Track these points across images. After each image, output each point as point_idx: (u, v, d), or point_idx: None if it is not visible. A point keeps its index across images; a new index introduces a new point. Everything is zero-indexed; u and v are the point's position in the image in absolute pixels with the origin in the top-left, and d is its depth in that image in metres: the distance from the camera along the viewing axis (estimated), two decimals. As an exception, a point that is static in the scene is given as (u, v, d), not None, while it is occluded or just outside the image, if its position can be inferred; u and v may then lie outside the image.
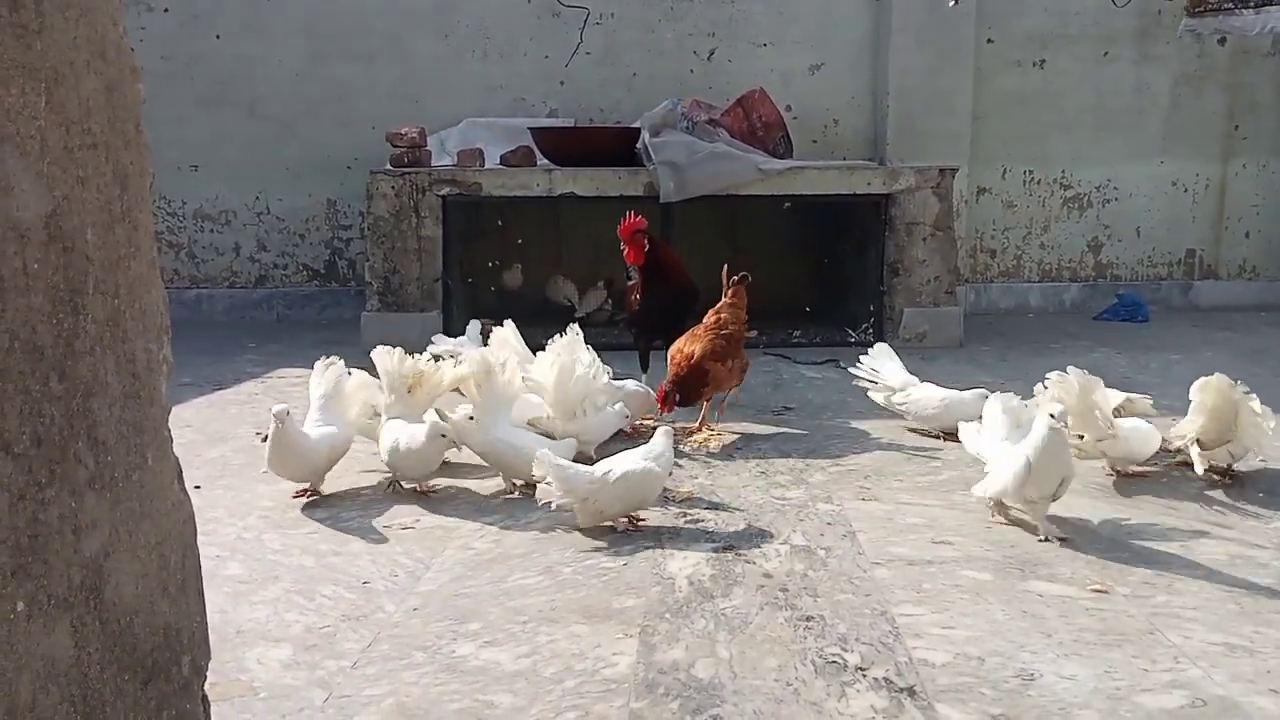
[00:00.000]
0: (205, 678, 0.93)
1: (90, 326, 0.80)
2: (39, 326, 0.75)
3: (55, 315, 0.77)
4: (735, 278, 3.26)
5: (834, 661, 1.72)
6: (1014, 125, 5.92)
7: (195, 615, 0.92)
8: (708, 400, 3.20)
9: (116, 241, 0.84)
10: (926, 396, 3.22)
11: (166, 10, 5.60)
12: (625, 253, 3.52)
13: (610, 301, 5.30)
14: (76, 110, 0.80)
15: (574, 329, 3.02)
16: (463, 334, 3.76)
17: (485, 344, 3.52)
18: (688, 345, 3.09)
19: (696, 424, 3.22)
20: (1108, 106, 5.96)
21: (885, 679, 1.65)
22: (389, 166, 4.75)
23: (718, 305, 3.24)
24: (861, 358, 3.51)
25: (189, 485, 2.67)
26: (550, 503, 2.32)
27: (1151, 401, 3.12)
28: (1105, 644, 1.76)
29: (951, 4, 5.04)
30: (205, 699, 0.94)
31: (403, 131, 4.76)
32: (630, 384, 3.24)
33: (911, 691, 1.61)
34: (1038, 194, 6.06)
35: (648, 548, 2.25)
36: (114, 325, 0.83)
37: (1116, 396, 3.03)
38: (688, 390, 3.03)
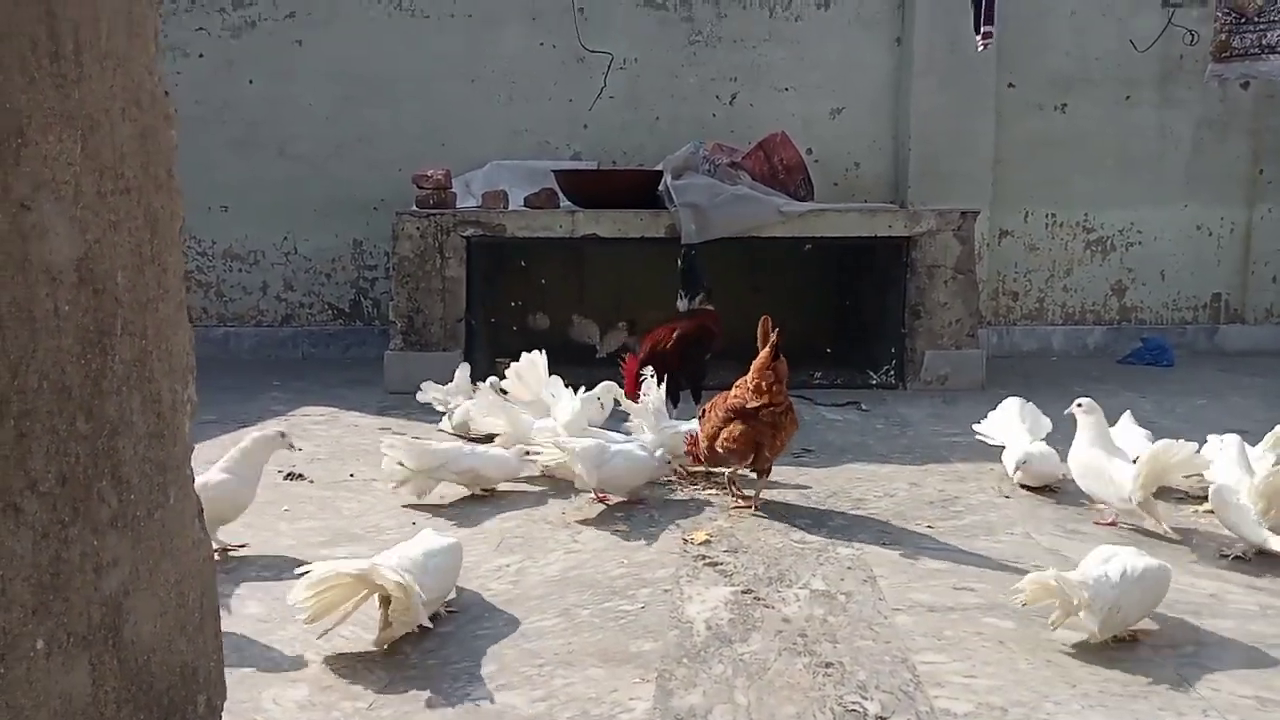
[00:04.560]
0: (220, 717, 0.93)
1: (118, 367, 0.82)
2: (68, 367, 0.77)
3: (84, 356, 0.79)
4: (774, 337, 2.80)
5: (853, 710, 1.69)
6: (1036, 168, 5.93)
7: (212, 654, 0.93)
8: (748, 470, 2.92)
9: (146, 284, 0.86)
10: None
11: (201, 56, 5.75)
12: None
13: (632, 339, 5.32)
14: (111, 156, 0.83)
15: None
16: (480, 378, 3.79)
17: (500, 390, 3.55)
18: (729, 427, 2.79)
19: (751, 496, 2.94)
20: (1130, 150, 5.96)
21: (905, 729, 1.62)
22: (415, 208, 4.82)
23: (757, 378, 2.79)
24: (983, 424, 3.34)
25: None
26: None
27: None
28: (1131, 695, 1.73)
29: (980, 48, 5.07)
30: (220, 738, 0.94)
31: (428, 173, 4.84)
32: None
33: (932, 742, 1.58)
34: (1060, 237, 6.05)
35: (666, 591, 2.24)
36: (141, 366, 0.85)
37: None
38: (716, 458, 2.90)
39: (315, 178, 5.78)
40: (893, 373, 4.88)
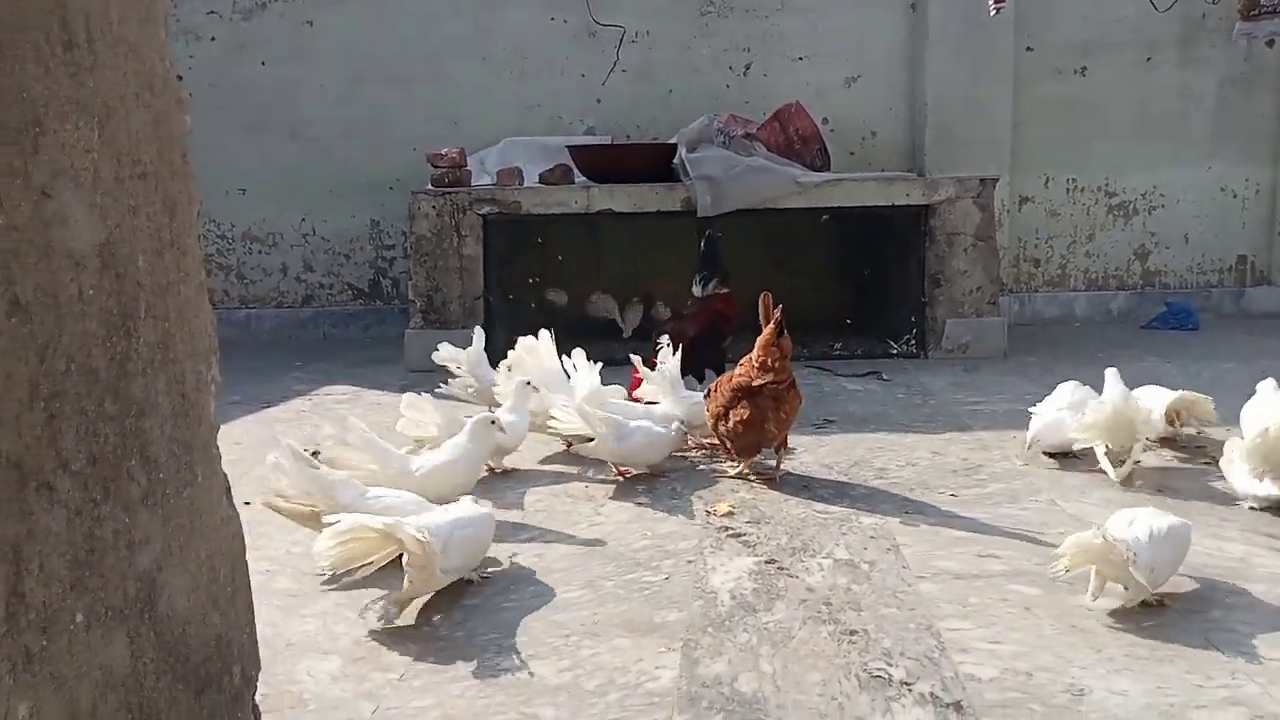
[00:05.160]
0: (255, 688, 0.95)
1: (142, 349, 0.83)
2: (94, 350, 0.78)
3: (109, 339, 0.80)
4: (778, 314, 2.77)
5: (878, 676, 1.70)
6: (1055, 133, 5.85)
7: (245, 626, 0.95)
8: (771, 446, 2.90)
9: (166, 267, 0.87)
10: None
11: (213, 39, 5.75)
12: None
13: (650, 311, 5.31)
14: (127, 142, 0.83)
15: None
16: (501, 356, 3.79)
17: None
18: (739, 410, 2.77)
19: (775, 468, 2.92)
20: (1151, 112, 5.87)
21: (931, 694, 1.63)
22: (430, 187, 4.82)
23: (761, 355, 2.78)
24: None
25: (239, 501, 2.71)
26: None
27: (1212, 404, 3.07)
28: (1158, 659, 1.73)
29: (992, 13, 5.00)
30: (256, 708, 0.96)
31: (443, 152, 4.83)
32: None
33: (958, 707, 1.59)
34: (1081, 202, 5.98)
35: (689, 562, 2.25)
36: (164, 348, 0.86)
37: (1168, 396, 3.00)
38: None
39: (329, 159, 5.79)
40: (913, 342, 4.86)
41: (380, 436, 2.62)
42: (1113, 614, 1.91)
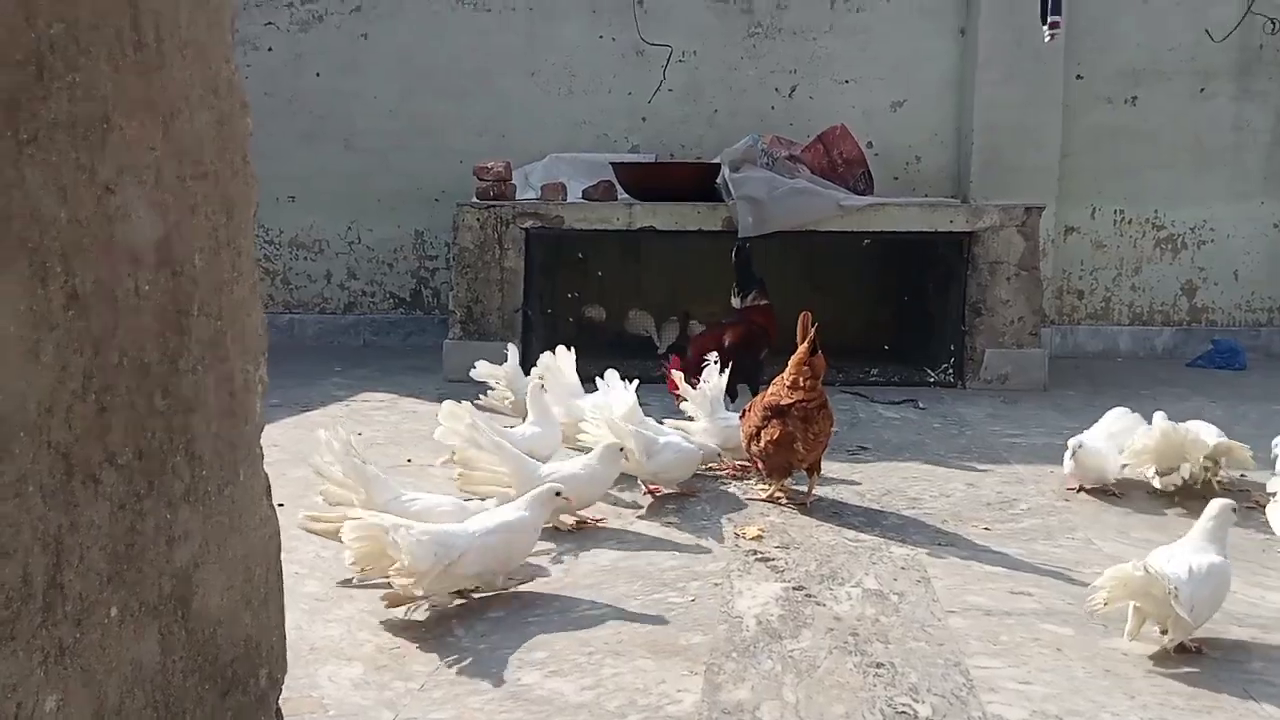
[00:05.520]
0: (280, 691, 0.96)
1: (194, 347, 0.84)
2: (147, 345, 0.80)
3: (162, 335, 0.81)
4: (812, 333, 2.75)
5: (904, 712, 1.67)
6: (1104, 163, 5.78)
7: (275, 629, 0.96)
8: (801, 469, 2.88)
9: (221, 266, 0.89)
10: None
11: (270, 49, 5.88)
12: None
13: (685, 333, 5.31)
14: (190, 142, 0.85)
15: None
16: (529, 364, 3.81)
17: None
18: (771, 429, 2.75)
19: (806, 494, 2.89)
20: (1204, 144, 5.77)
21: (957, 732, 1.60)
22: (475, 199, 4.88)
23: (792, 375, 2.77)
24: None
25: (274, 502, 2.75)
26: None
27: (1250, 452, 3.00)
28: (1194, 710, 1.68)
29: (1047, 39, 4.95)
30: (279, 712, 0.97)
31: (489, 165, 4.89)
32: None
33: (984, 746, 1.56)
34: (1129, 234, 5.89)
35: (716, 584, 2.24)
36: (216, 346, 0.88)
37: (1211, 435, 2.95)
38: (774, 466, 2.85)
39: (379, 169, 5.88)
40: (951, 371, 4.80)
41: (416, 444, 2.65)
42: (1149, 659, 1.87)
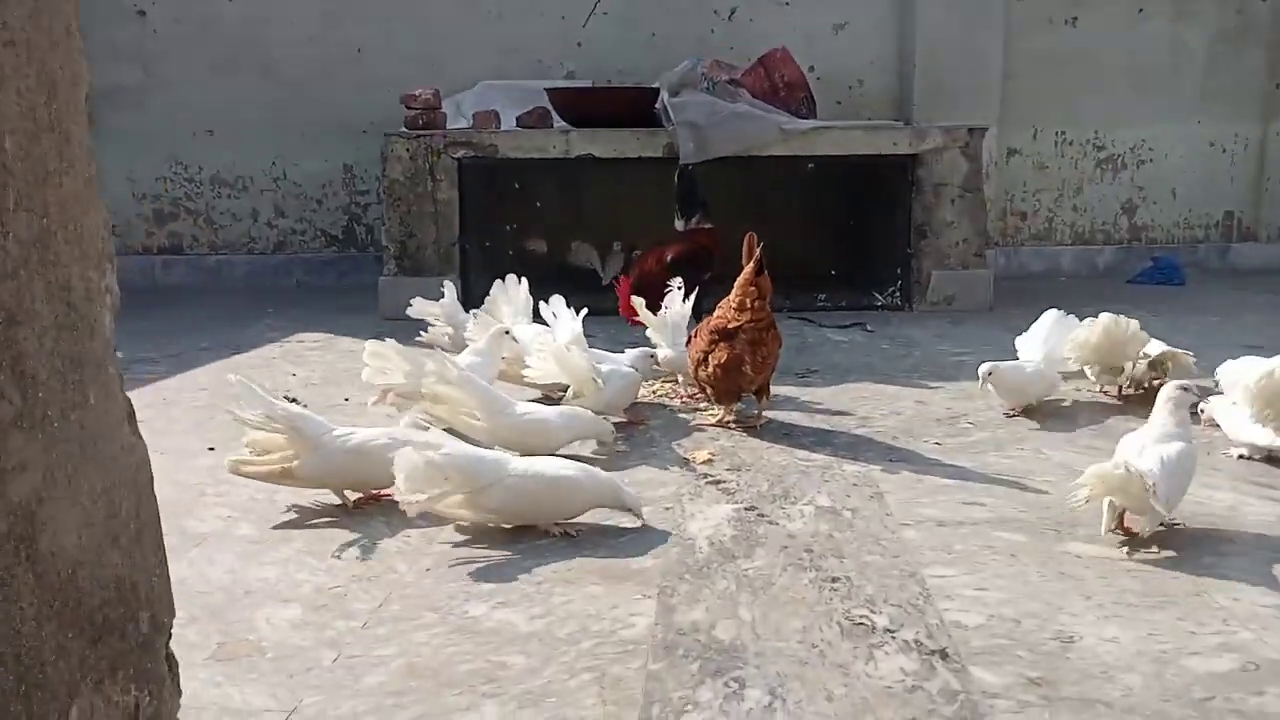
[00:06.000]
0: (169, 636, 0.86)
1: (12, 247, 0.71)
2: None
3: (-34, 233, 0.68)
4: (758, 253, 2.71)
5: (861, 623, 1.64)
6: (1045, 85, 5.75)
7: (154, 568, 0.84)
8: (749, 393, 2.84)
9: (44, 154, 0.75)
10: None
11: (179, -27, 5.53)
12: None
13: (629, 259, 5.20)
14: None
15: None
16: (477, 304, 3.69)
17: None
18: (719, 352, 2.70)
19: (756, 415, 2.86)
20: (1142, 65, 5.77)
21: (916, 641, 1.57)
22: (404, 129, 4.67)
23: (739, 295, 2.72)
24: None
25: (203, 445, 2.60)
26: None
27: (1194, 358, 3.03)
28: (1149, 606, 1.68)
29: None
30: (171, 657, 0.86)
31: (417, 93, 4.67)
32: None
33: (944, 654, 1.53)
34: (1070, 155, 5.89)
35: (667, 509, 2.19)
36: (42, 247, 0.75)
37: (1157, 346, 2.99)
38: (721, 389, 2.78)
39: (301, 100, 5.60)
40: (898, 294, 4.78)
41: (352, 381, 2.53)
42: (1102, 560, 1.86)
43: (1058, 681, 1.44)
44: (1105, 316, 2.99)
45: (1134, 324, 2.99)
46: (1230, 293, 5.14)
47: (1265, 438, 2.37)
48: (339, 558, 1.97)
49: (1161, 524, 1.95)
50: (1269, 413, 2.35)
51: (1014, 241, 5.95)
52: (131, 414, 0.82)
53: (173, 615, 0.86)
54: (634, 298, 3.31)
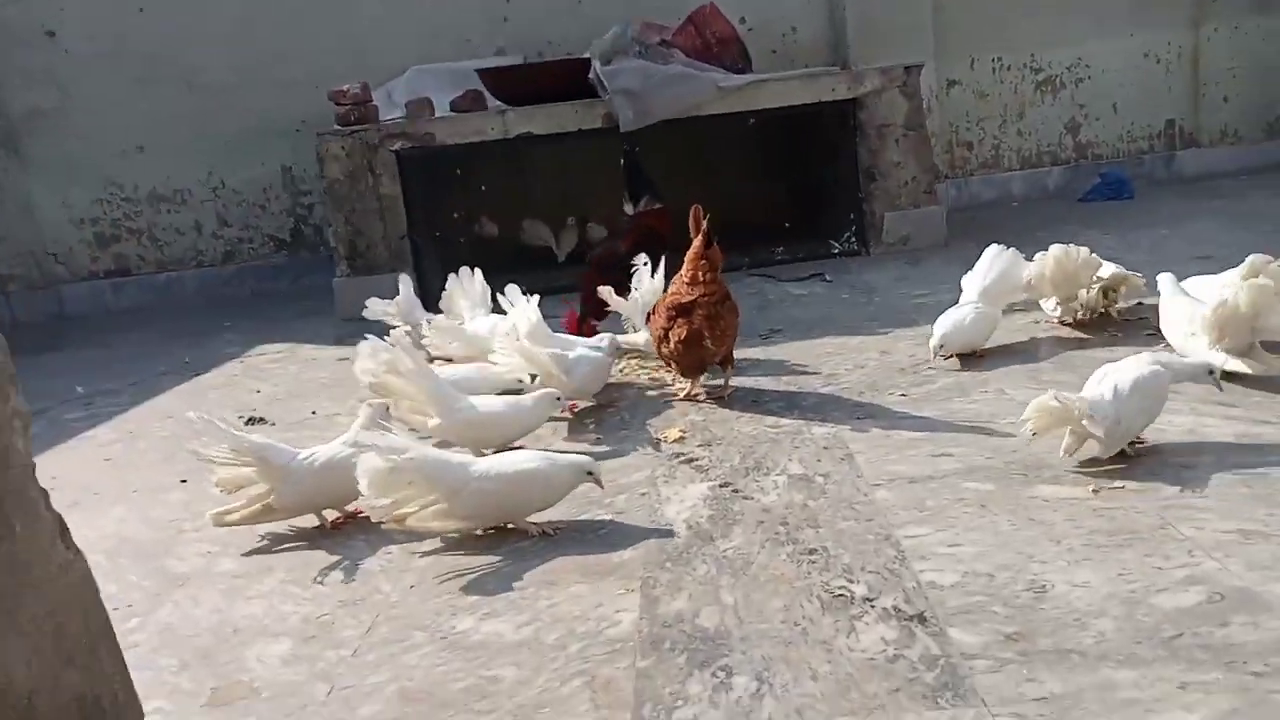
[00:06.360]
0: None
1: None
2: None
3: None
4: (705, 226, 2.70)
5: (840, 595, 1.67)
6: (977, 13, 5.71)
7: (115, 677, 0.84)
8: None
9: None
10: None
11: (83, -12, 5.33)
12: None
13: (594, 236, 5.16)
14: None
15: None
16: (434, 295, 3.66)
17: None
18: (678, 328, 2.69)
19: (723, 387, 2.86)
20: (1071, -18, 5.76)
21: (894, 608, 1.61)
22: (337, 126, 4.57)
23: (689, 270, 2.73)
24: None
25: (175, 478, 2.58)
26: None
27: (1143, 280, 3.07)
28: (1116, 545, 1.72)
29: None
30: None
31: (345, 89, 4.56)
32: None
33: (922, 618, 1.57)
34: (1009, 80, 5.89)
35: (643, 494, 2.20)
36: None
37: (1108, 269, 3.03)
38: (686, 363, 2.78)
39: (228, 107, 5.44)
40: (854, 239, 4.80)
41: (317, 393, 2.50)
42: (1068, 505, 1.90)
43: (1033, 634, 1.48)
44: (1055, 248, 3.03)
45: (1084, 251, 3.03)
46: (1178, 202, 5.19)
47: (1230, 363, 2.41)
48: (322, 583, 1.97)
49: (1127, 447, 2.04)
50: (1225, 340, 2.41)
51: (963, 172, 5.96)
52: (63, 529, 0.81)
53: (142, 716, 0.86)
54: (586, 324, 3.32)
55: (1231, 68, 5.94)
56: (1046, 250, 3.05)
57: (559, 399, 2.57)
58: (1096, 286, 3.07)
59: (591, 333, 3.27)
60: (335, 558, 2.08)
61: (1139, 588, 1.57)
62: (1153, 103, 5.96)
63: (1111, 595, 1.56)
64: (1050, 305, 3.14)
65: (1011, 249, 3.11)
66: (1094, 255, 3.05)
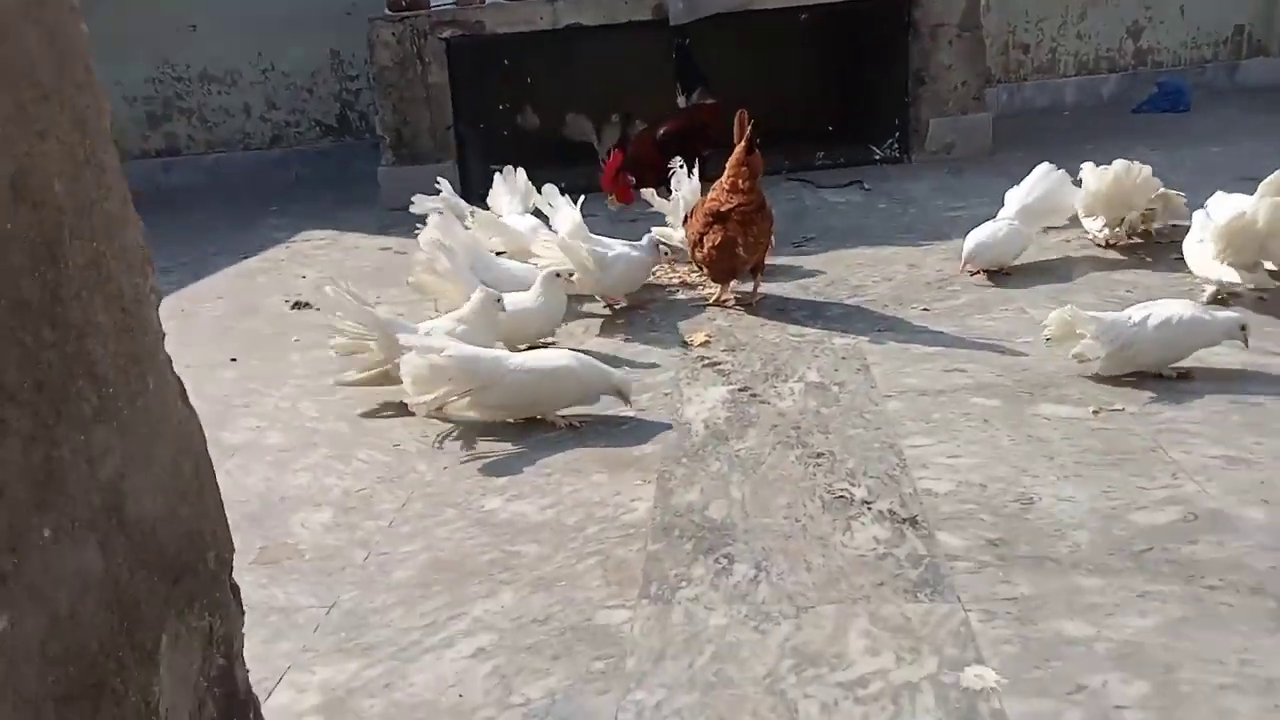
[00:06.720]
0: (230, 568, 1.04)
1: (73, 273, 0.84)
2: (23, 282, 0.79)
3: (36, 269, 0.80)
4: (749, 131, 2.72)
5: (841, 496, 1.80)
6: (1048, -97, 5.48)
7: (214, 516, 1.02)
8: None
9: (85, 187, 0.86)
10: None
11: None
12: (612, 198, 3.47)
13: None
14: (23, 64, 0.80)
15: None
16: (478, 187, 3.74)
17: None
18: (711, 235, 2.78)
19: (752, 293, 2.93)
20: None
21: (889, 511, 1.73)
22: (388, 11, 4.58)
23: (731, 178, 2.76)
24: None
25: (227, 358, 2.76)
26: None
27: (1184, 199, 3.06)
28: (1107, 464, 1.82)
29: None
30: (234, 586, 1.05)
31: (397, -28, 4.56)
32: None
33: (914, 521, 1.69)
34: (1074, -23, 5.67)
35: (666, 394, 2.33)
36: (96, 268, 0.87)
37: (1151, 188, 3.00)
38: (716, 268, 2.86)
39: (280, -15, 5.46)
40: (897, 146, 4.75)
41: (359, 280, 2.62)
42: (1068, 423, 1.99)
43: (1014, 541, 1.60)
44: (1119, 163, 3.00)
45: (1146, 170, 3.00)
46: (1236, 116, 5.04)
47: (1228, 274, 2.44)
48: (364, 461, 2.14)
49: (1166, 370, 2.14)
50: (1230, 252, 2.43)
51: (1017, 76, 5.81)
52: (183, 391, 0.98)
53: (233, 552, 1.04)
54: (622, 175, 3.37)
55: (1315, -28, 5.65)
56: (1108, 166, 3.01)
57: (558, 275, 2.62)
58: (1145, 205, 3.05)
59: (624, 186, 3.35)
60: (376, 438, 2.24)
61: (1120, 504, 1.68)
62: (1223, 6, 5.72)
63: (1093, 510, 1.67)
64: (1096, 225, 3.12)
65: (1061, 170, 3.09)
66: (1154, 176, 3.02)
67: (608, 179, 3.56)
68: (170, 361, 0.98)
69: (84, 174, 0.85)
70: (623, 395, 2.19)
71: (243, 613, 1.09)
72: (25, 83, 0.80)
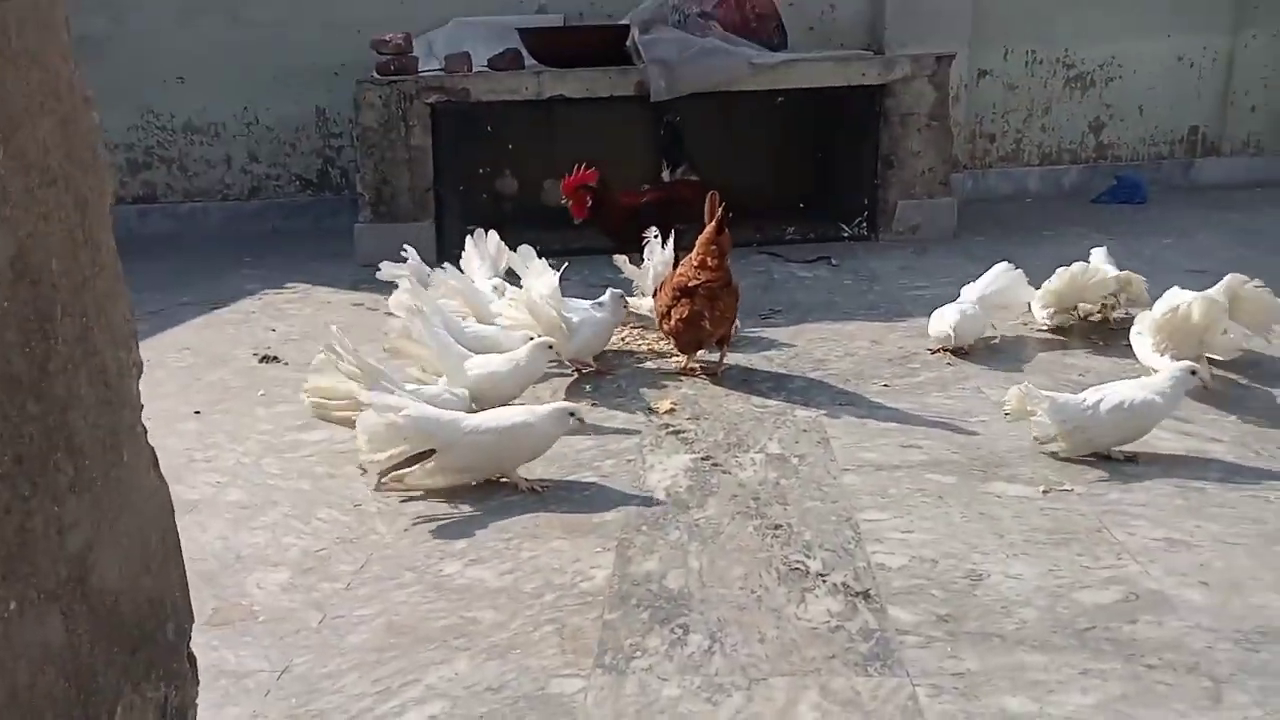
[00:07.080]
0: (189, 638, 1.04)
1: (62, 348, 0.86)
2: (13, 358, 0.81)
3: (27, 345, 0.82)
4: (719, 213, 2.80)
5: (796, 568, 1.82)
6: (1017, 3, 5.73)
7: (176, 586, 1.02)
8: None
9: (81, 266, 0.89)
10: None
11: (137, -85, 5.42)
12: (570, 207, 3.59)
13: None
14: (35, 152, 0.84)
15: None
16: (453, 248, 3.78)
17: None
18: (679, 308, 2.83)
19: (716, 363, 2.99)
20: (1113, -22, 5.74)
21: (843, 584, 1.76)
22: (375, 74, 4.68)
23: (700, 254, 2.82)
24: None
25: (191, 410, 2.75)
26: None
27: (1145, 285, 3.17)
28: (1054, 543, 1.86)
29: None
30: (191, 656, 1.04)
31: (387, 38, 4.67)
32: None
33: (866, 595, 1.72)
34: (1039, 74, 5.90)
35: (629, 461, 2.35)
36: (84, 342, 0.89)
37: (1110, 270, 3.12)
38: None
39: (270, 43, 5.55)
40: (865, 225, 4.89)
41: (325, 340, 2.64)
42: (1019, 502, 2.04)
43: (963, 617, 1.63)
44: (1077, 265, 3.13)
45: (1101, 273, 3.15)
46: (1189, 211, 5.24)
47: (1162, 364, 2.53)
48: (324, 520, 2.14)
49: (1115, 453, 2.22)
50: (1169, 345, 2.54)
51: (982, 164, 6.01)
52: (154, 460, 0.99)
53: (192, 621, 1.04)
54: (585, 192, 3.48)
55: (1265, 77, 5.93)
56: (1067, 268, 3.13)
57: (551, 346, 2.68)
58: (1100, 298, 3.17)
59: (582, 203, 3.43)
60: (336, 497, 2.24)
61: (1065, 583, 1.72)
62: (1180, 108, 5.97)
63: (1040, 588, 1.71)
64: (1045, 313, 3.22)
65: (1019, 270, 3.19)
66: (1110, 277, 3.15)
67: (570, 186, 3.68)
68: (146, 432, 1.00)
69: (81, 253, 0.88)
70: (577, 418, 2.23)
71: (197, 682, 1.08)
72: (36, 169, 0.83)
